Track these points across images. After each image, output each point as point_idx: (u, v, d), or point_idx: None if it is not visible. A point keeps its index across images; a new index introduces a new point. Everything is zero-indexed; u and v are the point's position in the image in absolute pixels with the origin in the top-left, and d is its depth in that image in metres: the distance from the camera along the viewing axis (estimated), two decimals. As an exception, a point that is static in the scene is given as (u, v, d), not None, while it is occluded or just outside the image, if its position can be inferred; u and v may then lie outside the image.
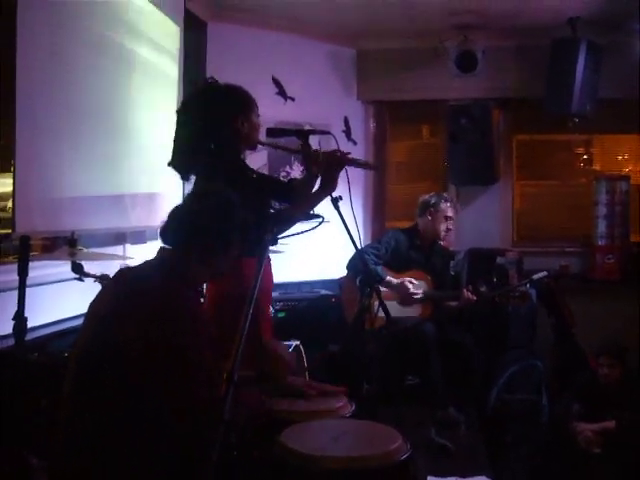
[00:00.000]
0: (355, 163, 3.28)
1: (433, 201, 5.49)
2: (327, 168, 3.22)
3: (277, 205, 3.55)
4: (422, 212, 5.53)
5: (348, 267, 5.45)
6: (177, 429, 2.18)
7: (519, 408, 5.62)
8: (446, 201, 5.49)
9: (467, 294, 5.20)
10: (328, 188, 3.20)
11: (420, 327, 5.12)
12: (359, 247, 3.13)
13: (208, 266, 2.49)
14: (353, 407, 2.93)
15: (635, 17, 5.76)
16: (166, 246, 2.50)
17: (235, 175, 3.22)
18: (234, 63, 6.22)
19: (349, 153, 3.26)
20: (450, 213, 5.47)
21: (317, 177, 3.27)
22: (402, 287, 5.31)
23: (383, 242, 5.53)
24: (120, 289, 2.40)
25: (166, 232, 2.51)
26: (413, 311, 5.35)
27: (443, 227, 5.49)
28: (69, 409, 2.27)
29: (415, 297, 5.32)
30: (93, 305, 2.40)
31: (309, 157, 3.34)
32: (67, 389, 2.29)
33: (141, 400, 2.16)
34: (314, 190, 3.33)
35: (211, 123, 3.30)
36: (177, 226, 2.49)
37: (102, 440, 2.17)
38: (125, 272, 2.53)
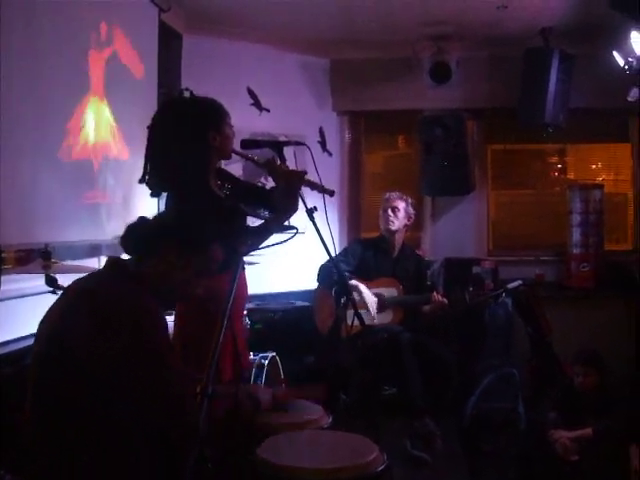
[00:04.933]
0: (312, 185, 3.25)
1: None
2: (285, 187, 3.23)
3: (264, 213, 3.55)
4: None
5: (318, 279, 5.48)
6: (142, 433, 2.16)
7: (496, 417, 5.63)
8: (390, 193, 5.68)
9: (437, 297, 5.24)
10: (289, 207, 3.21)
11: (396, 337, 5.13)
12: (333, 258, 3.14)
13: (185, 268, 2.47)
14: (330, 419, 2.92)
15: (608, 27, 5.81)
16: (115, 256, 2.49)
17: (202, 196, 3.21)
18: (209, 75, 6.22)
19: (306, 173, 3.25)
20: (396, 204, 5.59)
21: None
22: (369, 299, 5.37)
23: (350, 251, 5.64)
24: (69, 301, 2.38)
25: (131, 240, 2.49)
26: (385, 318, 5.38)
27: (384, 215, 5.60)
28: (32, 427, 2.25)
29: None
30: (43, 320, 2.38)
31: (273, 172, 3.35)
32: (28, 404, 2.27)
33: (100, 410, 2.14)
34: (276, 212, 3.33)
35: (181, 141, 3.28)
36: (147, 232, 2.49)
37: (66, 456, 2.15)
38: (73, 284, 2.50)
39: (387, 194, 5.67)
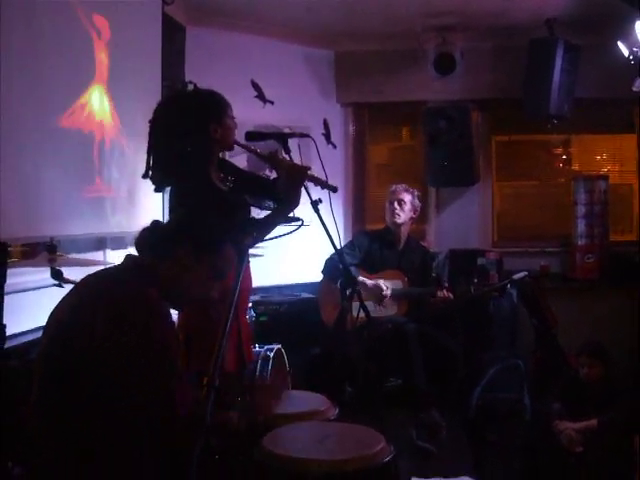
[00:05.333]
0: (315, 180, 3.26)
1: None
2: (288, 181, 3.23)
3: (269, 204, 3.55)
4: None
5: (324, 272, 5.49)
6: (146, 427, 2.17)
7: (501, 408, 5.63)
8: (396, 186, 5.68)
9: (443, 292, 5.24)
10: (291, 200, 3.21)
11: (401, 327, 5.14)
12: (339, 250, 3.14)
13: (200, 270, 2.47)
14: (336, 410, 2.93)
15: (613, 18, 5.79)
16: (133, 255, 2.49)
17: (204, 189, 3.21)
18: (213, 67, 6.21)
19: (310, 168, 3.25)
20: (402, 197, 5.59)
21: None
22: (376, 288, 5.36)
23: (356, 243, 5.65)
24: (80, 297, 2.38)
25: (145, 243, 2.49)
26: (390, 309, 5.38)
27: (390, 208, 5.59)
28: (37, 420, 2.26)
29: (387, 297, 5.36)
30: (54, 312, 2.38)
31: (276, 165, 3.35)
32: (33, 397, 2.28)
33: (104, 405, 2.14)
34: (278, 206, 3.34)
35: (182, 134, 3.27)
36: (162, 235, 2.48)
37: (71, 449, 2.16)
38: (85, 279, 2.50)
39: (393, 186, 5.67)
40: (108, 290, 2.30)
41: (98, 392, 2.13)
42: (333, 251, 3.16)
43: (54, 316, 2.36)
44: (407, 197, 5.57)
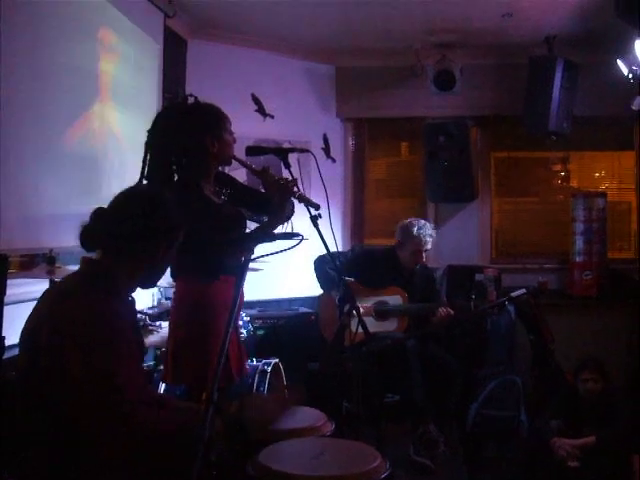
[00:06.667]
0: (299, 198, 3.26)
1: (414, 232, 5.42)
2: (275, 195, 3.28)
3: (263, 218, 3.56)
4: (401, 239, 5.50)
5: (316, 270, 5.38)
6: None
7: (498, 424, 5.62)
8: (424, 234, 5.42)
9: (443, 309, 5.20)
10: (277, 215, 3.28)
11: (402, 343, 5.11)
12: (337, 265, 3.15)
13: (141, 263, 2.41)
14: (333, 426, 2.92)
15: (612, 36, 5.82)
16: (89, 255, 2.40)
17: (199, 204, 3.22)
18: (214, 81, 6.24)
19: (295, 182, 3.27)
20: (428, 246, 5.46)
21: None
22: None
23: (354, 255, 5.52)
24: (37, 304, 2.36)
25: (89, 236, 2.39)
26: (389, 325, 5.34)
27: (415, 256, 5.45)
28: (20, 429, 2.26)
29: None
30: (25, 322, 2.36)
31: (266, 182, 3.37)
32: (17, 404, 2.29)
33: (58, 416, 2.14)
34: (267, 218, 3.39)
35: (179, 146, 3.28)
36: (104, 227, 2.38)
37: (56, 463, 2.16)
38: (50, 288, 2.47)
39: (423, 236, 5.41)
40: (56, 302, 2.26)
41: (51, 403, 2.13)
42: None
43: (23, 329, 2.34)
44: (431, 243, 5.49)
